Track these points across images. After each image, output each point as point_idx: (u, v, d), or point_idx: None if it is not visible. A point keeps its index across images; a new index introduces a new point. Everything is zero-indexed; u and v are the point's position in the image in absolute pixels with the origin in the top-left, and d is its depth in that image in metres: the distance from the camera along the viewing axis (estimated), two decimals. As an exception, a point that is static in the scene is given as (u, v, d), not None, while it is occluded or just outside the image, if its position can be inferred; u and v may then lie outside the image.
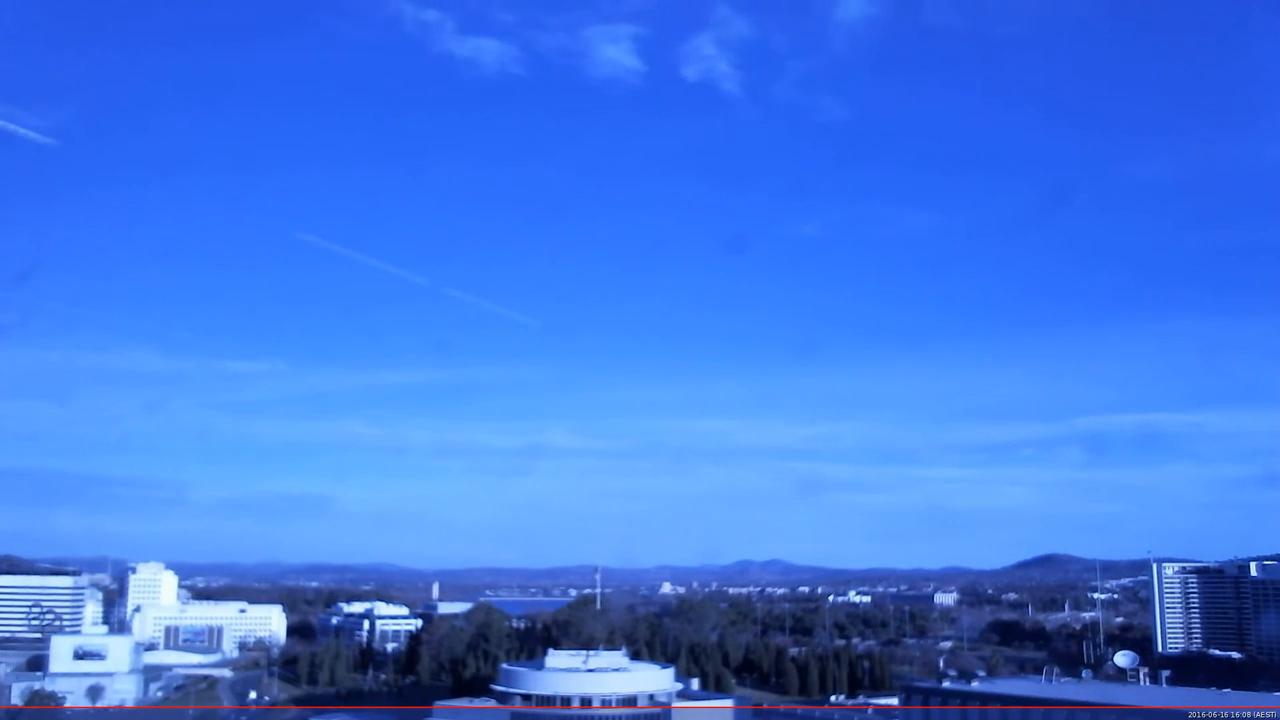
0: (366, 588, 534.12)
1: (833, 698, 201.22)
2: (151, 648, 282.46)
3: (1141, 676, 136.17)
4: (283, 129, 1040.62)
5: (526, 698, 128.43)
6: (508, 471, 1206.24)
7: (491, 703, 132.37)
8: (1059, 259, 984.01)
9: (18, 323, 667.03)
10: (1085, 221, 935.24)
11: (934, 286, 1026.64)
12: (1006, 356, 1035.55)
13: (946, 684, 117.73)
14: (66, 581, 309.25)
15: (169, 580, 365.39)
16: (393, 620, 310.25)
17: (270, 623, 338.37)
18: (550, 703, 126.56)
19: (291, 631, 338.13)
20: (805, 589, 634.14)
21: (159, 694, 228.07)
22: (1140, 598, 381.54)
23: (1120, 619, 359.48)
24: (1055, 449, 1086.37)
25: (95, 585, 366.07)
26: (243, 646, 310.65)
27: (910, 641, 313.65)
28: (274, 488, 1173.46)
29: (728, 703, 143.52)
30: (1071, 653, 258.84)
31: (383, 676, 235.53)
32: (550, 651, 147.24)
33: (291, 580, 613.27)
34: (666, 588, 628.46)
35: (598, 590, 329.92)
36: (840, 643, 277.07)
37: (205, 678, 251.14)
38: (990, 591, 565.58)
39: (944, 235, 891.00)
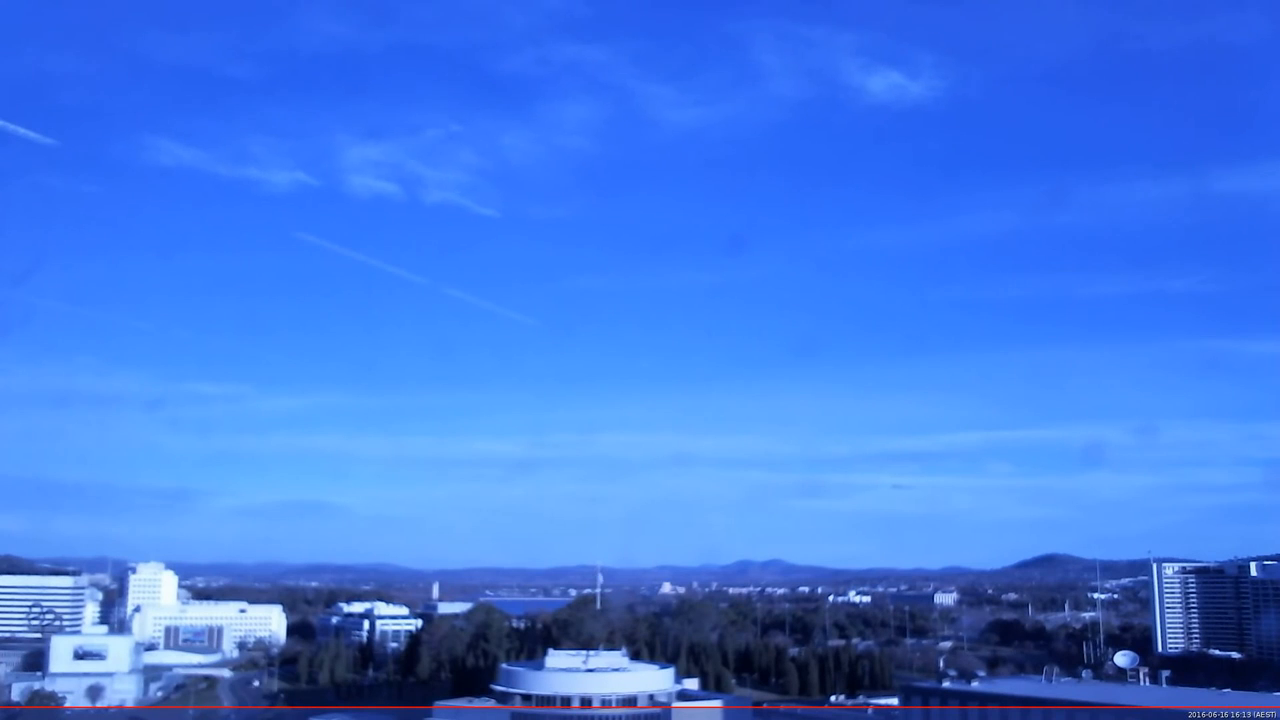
0: (366, 588, 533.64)
1: (833, 698, 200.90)
2: (151, 648, 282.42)
3: (1141, 676, 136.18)
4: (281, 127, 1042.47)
5: (526, 698, 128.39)
6: (508, 472, 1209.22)
7: (491, 703, 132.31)
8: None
9: (18, 323, 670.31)
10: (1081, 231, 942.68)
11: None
12: (1004, 368, 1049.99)
13: (946, 684, 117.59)
14: (66, 581, 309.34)
15: (169, 580, 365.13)
16: (393, 620, 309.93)
17: (270, 623, 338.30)
18: (550, 703, 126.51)
19: (291, 631, 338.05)
20: (805, 589, 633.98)
21: (159, 694, 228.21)
22: (1140, 598, 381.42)
23: (1120, 619, 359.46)
24: (1057, 452, 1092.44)
25: (95, 585, 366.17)
26: (243, 646, 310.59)
27: (910, 641, 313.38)
28: (276, 495, 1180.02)
29: (722, 703, 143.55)
30: (1071, 653, 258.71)
31: (383, 676, 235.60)
32: (550, 651, 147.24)
33: (291, 580, 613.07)
34: (666, 588, 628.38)
35: (598, 590, 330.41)
36: (840, 643, 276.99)
37: (205, 678, 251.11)
38: (990, 591, 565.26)
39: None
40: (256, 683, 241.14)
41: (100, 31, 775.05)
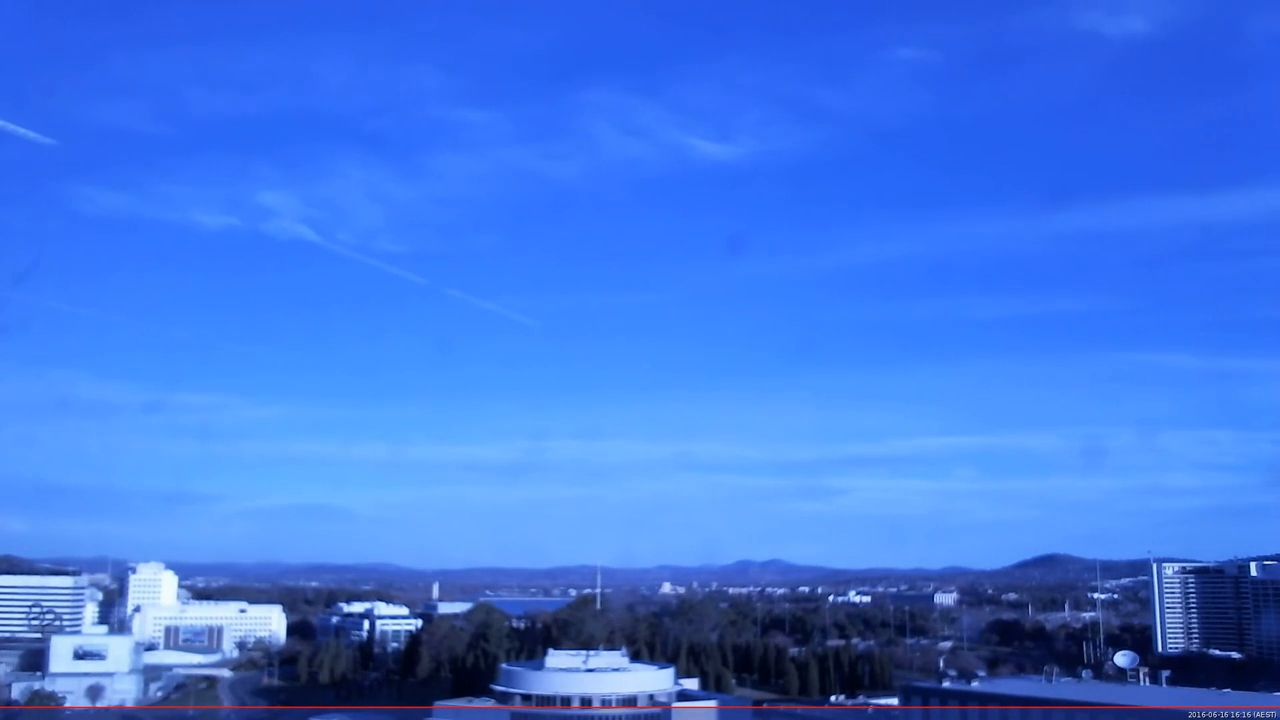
0: (366, 588, 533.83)
1: (833, 698, 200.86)
2: (151, 648, 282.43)
3: (1141, 676, 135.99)
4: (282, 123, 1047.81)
5: (526, 698, 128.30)
6: (508, 473, 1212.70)
7: (491, 703, 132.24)
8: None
9: (17, 324, 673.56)
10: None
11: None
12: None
13: (946, 684, 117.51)
14: (66, 581, 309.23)
15: (169, 580, 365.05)
16: (393, 620, 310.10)
17: (270, 623, 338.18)
18: (550, 703, 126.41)
19: (291, 631, 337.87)
20: (805, 589, 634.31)
21: (159, 694, 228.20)
22: (1140, 598, 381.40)
23: (1120, 619, 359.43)
24: (1059, 454, 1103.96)
25: (95, 585, 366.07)
26: (242, 646, 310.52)
27: (910, 641, 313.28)
28: (278, 500, 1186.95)
29: (722, 703, 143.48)
30: (1071, 653, 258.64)
31: (383, 676, 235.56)
32: (550, 651, 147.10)
33: (291, 580, 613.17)
34: (666, 588, 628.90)
35: (598, 590, 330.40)
36: (840, 643, 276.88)
37: (205, 678, 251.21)
38: (990, 591, 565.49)
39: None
40: (256, 685, 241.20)
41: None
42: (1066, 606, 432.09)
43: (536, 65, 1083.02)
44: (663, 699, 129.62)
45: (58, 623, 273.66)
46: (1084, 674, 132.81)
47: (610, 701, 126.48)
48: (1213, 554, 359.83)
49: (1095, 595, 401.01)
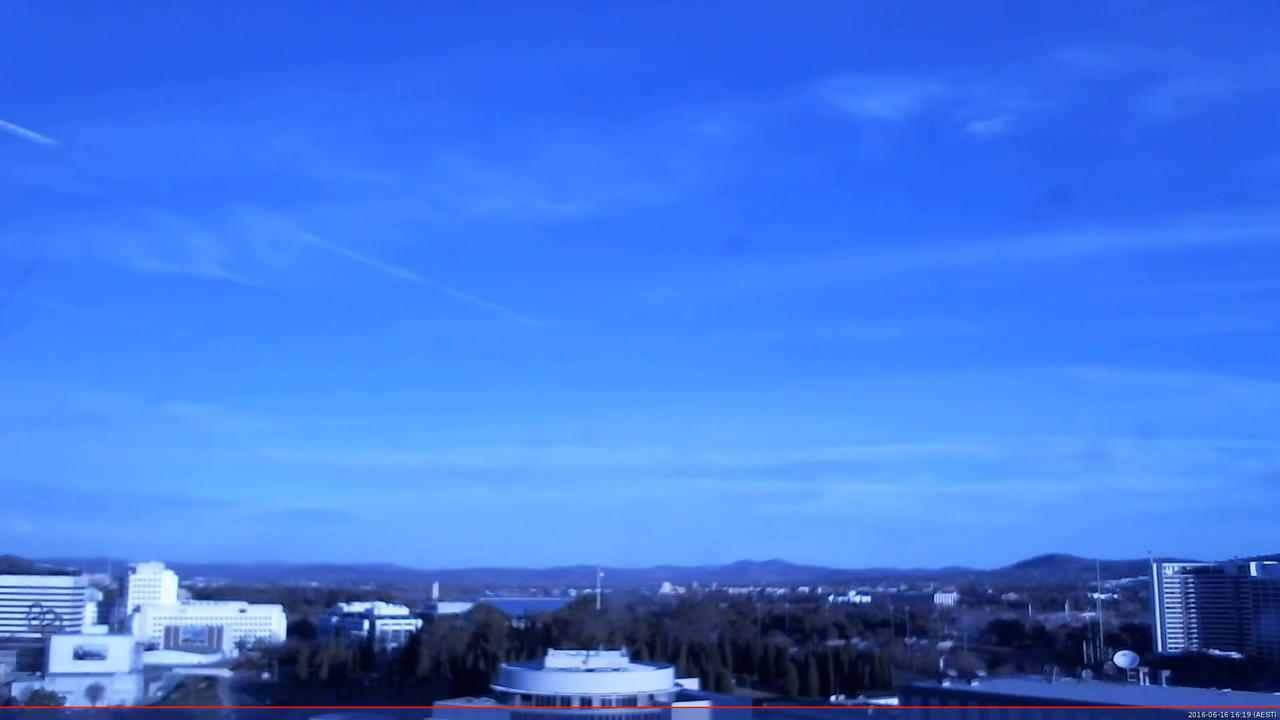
0: (366, 588, 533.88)
1: (833, 698, 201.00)
2: (151, 648, 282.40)
3: (1141, 676, 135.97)
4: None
5: (526, 698, 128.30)
6: (507, 474, 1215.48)
7: (491, 703, 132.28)
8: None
9: (18, 324, 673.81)
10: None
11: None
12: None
13: (946, 684, 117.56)
14: (66, 581, 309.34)
15: (169, 580, 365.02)
16: (393, 620, 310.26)
17: (270, 623, 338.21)
18: (550, 703, 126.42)
19: (291, 631, 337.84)
20: (805, 589, 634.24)
21: (159, 694, 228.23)
22: (1140, 598, 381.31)
23: (1120, 619, 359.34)
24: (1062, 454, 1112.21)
25: (95, 585, 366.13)
26: (242, 646, 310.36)
27: (910, 641, 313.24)
28: (279, 504, 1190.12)
29: (722, 703, 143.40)
30: (1071, 653, 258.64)
31: (382, 676, 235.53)
32: (550, 651, 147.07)
33: (291, 580, 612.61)
34: (666, 588, 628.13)
35: (598, 590, 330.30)
36: (840, 643, 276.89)
37: (205, 678, 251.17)
38: (990, 591, 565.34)
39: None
40: (255, 685, 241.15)
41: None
42: (1066, 606, 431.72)
43: (389, 132, 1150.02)
44: (662, 699, 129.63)
45: (58, 623, 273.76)
46: (1084, 674, 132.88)
47: (610, 701, 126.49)
48: (1213, 554, 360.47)
49: (1095, 595, 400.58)
